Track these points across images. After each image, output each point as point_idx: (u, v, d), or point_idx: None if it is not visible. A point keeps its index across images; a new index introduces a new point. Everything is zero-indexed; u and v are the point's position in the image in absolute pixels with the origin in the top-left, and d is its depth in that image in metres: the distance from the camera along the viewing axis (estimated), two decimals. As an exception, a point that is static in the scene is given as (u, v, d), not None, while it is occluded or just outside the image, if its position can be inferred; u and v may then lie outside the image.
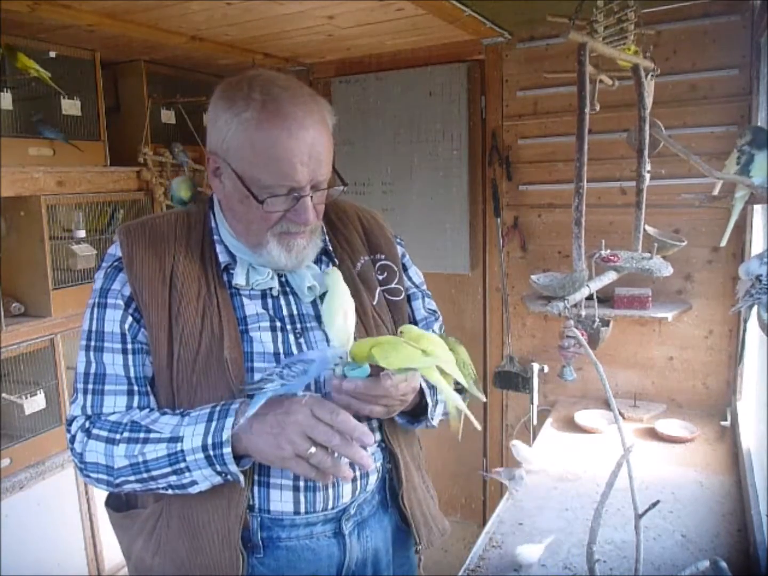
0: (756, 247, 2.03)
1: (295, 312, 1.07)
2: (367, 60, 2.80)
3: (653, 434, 2.08)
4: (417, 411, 1.13)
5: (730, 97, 2.15)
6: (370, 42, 2.55)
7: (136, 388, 1.02)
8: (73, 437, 1.01)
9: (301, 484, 1.01)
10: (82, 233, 2.27)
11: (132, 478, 0.96)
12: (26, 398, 2.09)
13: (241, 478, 0.94)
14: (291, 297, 1.08)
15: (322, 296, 1.06)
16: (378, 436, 1.11)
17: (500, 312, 2.69)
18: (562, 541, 1.50)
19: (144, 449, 0.94)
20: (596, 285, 1.41)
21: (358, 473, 1.06)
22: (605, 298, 2.28)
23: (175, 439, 0.93)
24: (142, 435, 0.95)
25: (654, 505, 1.04)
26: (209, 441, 0.91)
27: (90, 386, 1.02)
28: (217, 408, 0.95)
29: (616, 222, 2.35)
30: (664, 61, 2.18)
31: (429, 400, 1.12)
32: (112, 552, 2.33)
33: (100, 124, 2.38)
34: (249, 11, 2.01)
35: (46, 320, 2.16)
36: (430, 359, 0.97)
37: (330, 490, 1.03)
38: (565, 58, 2.33)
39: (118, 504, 1.13)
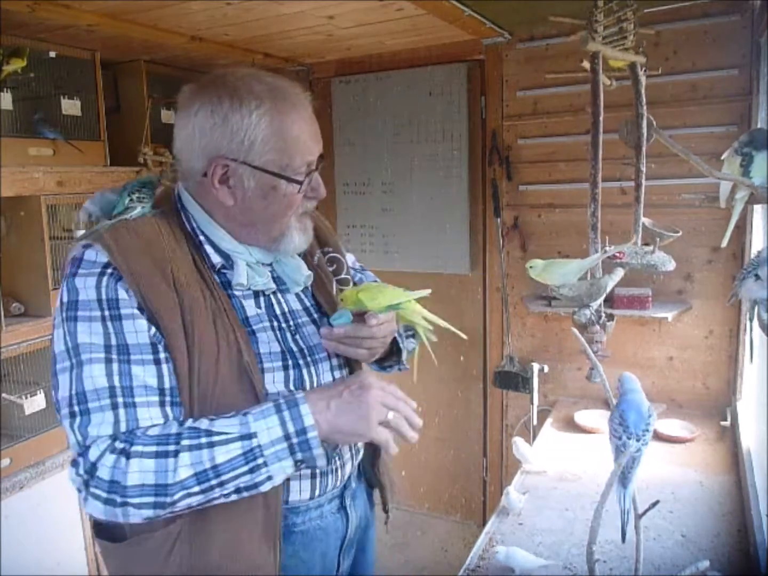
0: (756, 247, 2.03)
1: (286, 309, 1.10)
2: (367, 60, 2.80)
3: (653, 434, 2.07)
4: (387, 357, 1.22)
5: (730, 97, 2.15)
6: (370, 42, 2.55)
7: (169, 399, 0.94)
8: (94, 465, 0.88)
9: (318, 471, 1.06)
10: (82, 233, 2.27)
11: (196, 489, 0.87)
12: (26, 398, 2.08)
13: (320, 462, 0.92)
14: (279, 295, 1.10)
15: (303, 292, 1.14)
16: None
17: (500, 312, 2.69)
18: (562, 541, 1.50)
19: (213, 453, 0.87)
20: (611, 284, 1.43)
21: (355, 450, 1.15)
22: (605, 298, 2.28)
23: (247, 436, 0.88)
24: (204, 440, 0.88)
25: (654, 505, 1.05)
26: (290, 429, 0.89)
27: (119, 399, 0.90)
28: (279, 400, 0.92)
29: (617, 222, 2.34)
30: (664, 61, 2.18)
31: (402, 343, 1.21)
32: (112, 552, 2.33)
33: (100, 124, 2.37)
34: (249, 11, 2.01)
35: (46, 320, 2.15)
36: (413, 293, 1.12)
37: (339, 471, 1.10)
38: (564, 58, 2.33)
39: (115, 533, 1.02)
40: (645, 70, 1.55)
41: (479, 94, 2.62)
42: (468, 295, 2.82)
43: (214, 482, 0.88)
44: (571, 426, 2.21)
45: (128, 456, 0.87)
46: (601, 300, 1.39)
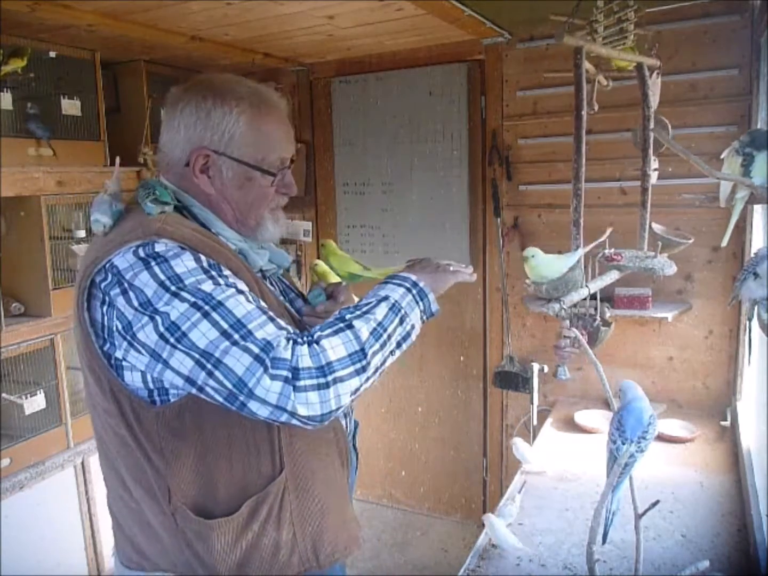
0: (756, 247, 2.03)
1: (282, 287, 1.26)
2: (367, 60, 2.80)
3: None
4: None
5: (730, 97, 2.15)
6: (370, 42, 2.55)
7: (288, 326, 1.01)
8: (295, 360, 0.89)
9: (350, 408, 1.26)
10: (82, 233, 2.28)
11: (377, 345, 0.97)
12: (26, 398, 2.09)
13: (434, 307, 1.07)
14: (272, 277, 1.25)
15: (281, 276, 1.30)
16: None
17: (500, 312, 2.69)
18: (562, 541, 1.50)
19: (374, 313, 0.99)
20: (596, 285, 1.41)
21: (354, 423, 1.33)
22: (605, 298, 2.28)
23: (384, 298, 1.02)
24: (360, 311, 1.00)
25: (654, 505, 1.05)
26: (407, 285, 1.05)
27: (270, 314, 0.96)
28: (380, 282, 1.09)
29: (617, 222, 2.32)
30: (664, 61, 2.17)
31: None
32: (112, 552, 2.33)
33: (100, 124, 2.38)
34: (249, 11, 2.01)
35: (46, 320, 2.16)
36: (369, 273, 1.43)
37: (348, 418, 1.27)
38: (564, 58, 2.31)
39: (220, 508, 1.05)
40: (659, 74, 1.54)
41: (479, 94, 2.62)
42: (468, 295, 2.82)
43: (384, 336, 0.98)
44: (571, 426, 2.21)
45: (317, 341, 0.93)
46: (579, 297, 1.36)
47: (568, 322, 1.40)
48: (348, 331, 0.95)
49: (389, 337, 0.99)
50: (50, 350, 2.18)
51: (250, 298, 0.98)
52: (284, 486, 1.08)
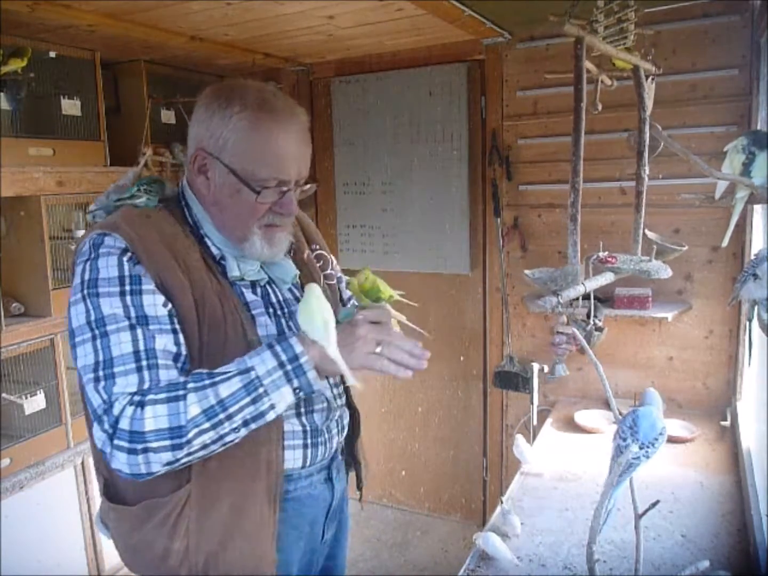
0: (756, 247, 2.03)
1: (281, 298, 1.20)
2: (367, 60, 2.80)
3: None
4: None
5: (730, 97, 2.15)
6: (370, 42, 2.55)
7: (183, 366, 1.03)
8: (117, 419, 0.94)
9: (309, 441, 1.16)
10: (82, 233, 2.27)
11: (206, 425, 0.93)
12: (26, 398, 2.09)
13: (316, 386, 0.98)
14: (274, 286, 1.20)
15: (295, 285, 1.24)
16: (344, 399, 1.29)
17: (500, 312, 2.69)
18: (562, 541, 1.50)
19: (216, 389, 0.94)
20: (592, 284, 1.41)
21: (341, 426, 1.26)
22: (605, 298, 2.28)
23: (246, 370, 0.95)
24: (207, 381, 0.95)
25: (654, 505, 1.05)
26: (283, 358, 0.96)
27: (144, 362, 0.98)
28: (272, 341, 0.99)
29: (616, 222, 2.35)
30: (664, 61, 2.17)
31: None
32: (112, 552, 2.32)
33: (100, 124, 2.37)
34: (249, 11, 2.01)
35: (46, 320, 2.16)
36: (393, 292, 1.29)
37: (327, 444, 1.20)
38: (564, 58, 2.33)
39: (128, 497, 1.12)
40: (653, 79, 1.54)
41: (479, 94, 2.62)
42: (468, 295, 2.82)
43: (222, 416, 0.94)
44: (571, 426, 2.21)
45: (143, 405, 0.94)
46: (576, 294, 1.35)
47: (564, 318, 1.39)
48: (179, 403, 0.93)
49: (229, 417, 0.94)
50: (50, 350, 2.18)
51: (139, 334, 0.98)
52: (186, 499, 1.06)
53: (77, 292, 1.02)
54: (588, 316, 1.50)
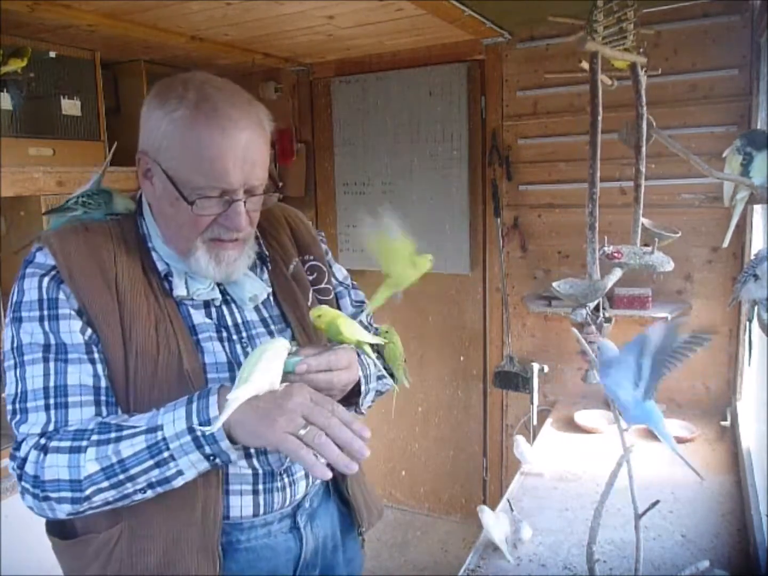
0: (756, 247, 2.03)
1: (239, 320, 1.06)
2: (367, 60, 2.80)
3: (653, 434, 2.07)
4: (349, 397, 1.10)
5: (730, 97, 2.15)
6: (369, 42, 2.55)
7: (104, 398, 0.95)
8: (24, 460, 0.90)
9: (260, 487, 1.02)
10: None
11: (105, 484, 0.87)
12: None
13: (233, 456, 0.88)
14: (233, 306, 1.07)
15: (265, 302, 1.09)
16: None
17: (500, 312, 2.69)
18: (562, 541, 1.50)
19: (118, 447, 0.86)
20: (608, 285, 1.43)
21: None
22: (605, 297, 2.28)
23: (153, 429, 0.86)
24: (113, 434, 0.87)
25: (654, 505, 1.05)
26: (195, 421, 0.86)
27: (51, 401, 0.92)
28: (195, 393, 0.90)
29: (616, 222, 2.34)
30: (664, 61, 2.18)
31: (363, 387, 1.08)
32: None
33: (100, 124, 2.37)
34: (249, 11, 2.01)
35: (46, 320, 2.15)
36: (380, 339, 1.09)
37: (287, 489, 1.04)
38: (564, 58, 2.33)
39: (65, 531, 1.05)
40: (646, 71, 1.55)
41: (479, 94, 2.62)
42: (468, 295, 2.82)
43: (122, 477, 0.87)
44: (571, 426, 2.21)
45: (46, 452, 0.89)
46: (598, 301, 1.38)
47: (593, 327, 1.41)
48: (79, 456, 0.87)
49: (131, 478, 0.87)
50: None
51: (51, 368, 0.92)
52: (117, 538, 0.97)
53: (9, 313, 0.97)
54: (597, 309, 1.52)
